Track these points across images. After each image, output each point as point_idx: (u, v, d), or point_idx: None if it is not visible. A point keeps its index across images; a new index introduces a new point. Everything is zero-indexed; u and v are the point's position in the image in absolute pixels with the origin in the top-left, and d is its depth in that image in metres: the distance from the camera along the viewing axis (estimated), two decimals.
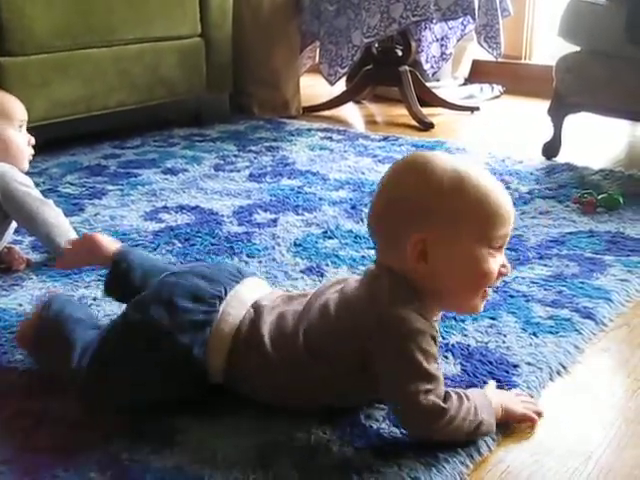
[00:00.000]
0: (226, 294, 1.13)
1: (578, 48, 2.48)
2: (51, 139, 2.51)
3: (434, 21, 3.06)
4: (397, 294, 1.04)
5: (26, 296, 1.50)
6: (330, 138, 2.78)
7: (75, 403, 1.14)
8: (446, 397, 1.02)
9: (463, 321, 1.37)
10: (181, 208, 2.01)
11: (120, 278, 1.30)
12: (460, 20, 3.21)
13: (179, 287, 1.14)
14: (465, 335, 1.34)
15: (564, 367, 1.26)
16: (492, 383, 1.16)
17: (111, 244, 1.35)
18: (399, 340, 1.01)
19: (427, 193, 1.04)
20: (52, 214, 1.65)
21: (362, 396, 1.13)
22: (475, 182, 1.04)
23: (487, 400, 1.07)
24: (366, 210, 1.97)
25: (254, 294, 1.17)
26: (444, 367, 1.23)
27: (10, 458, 1.02)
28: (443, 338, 1.31)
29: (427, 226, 1.03)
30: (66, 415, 1.11)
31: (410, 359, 1.00)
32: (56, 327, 1.20)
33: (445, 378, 1.18)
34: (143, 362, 1.10)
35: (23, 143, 1.70)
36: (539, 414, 1.12)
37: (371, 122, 3.25)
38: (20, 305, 1.46)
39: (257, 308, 1.14)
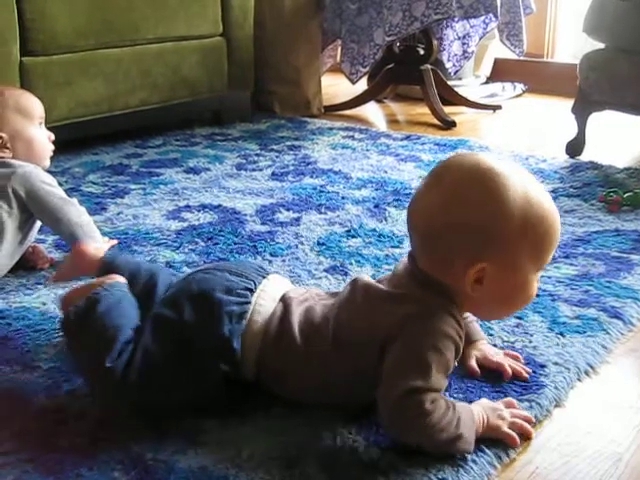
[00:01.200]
0: (256, 287, 1.13)
1: (602, 45, 2.46)
2: (74, 139, 2.53)
3: (456, 19, 3.05)
4: (431, 295, 1.03)
5: (50, 295, 1.50)
6: (352, 137, 2.77)
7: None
8: (434, 401, 0.99)
9: (489, 320, 1.35)
10: (203, 207, 2.01)
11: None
12: (482, 18, 3.19)
13: (210, 281, 1.13)
14: (491, 335, 1.32)
15: (592, 367, 1.24)
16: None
17: (96, 253, 1.36)
18: (421, 336, 1.00)
19: (497, 223, 1.00)
20: (76, 213, 1.64)
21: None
22: (541, 209, 1.02)
23: (471, 416, 1.03)
24: (389, 209, 1.96)
25: (281, 289, 1.17)
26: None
27: (34, 457, 1.01)
28: None
29: (491, 255, 1.01)
30: (90, 414, 1.11)
31: (422, 357, 0.99)
32: (102, 314, 1.17)
33: (471, 379, 1.18)
34: (181, 361, 1.09)
35: (44, 140, 1.70)
36: (529, 421, 1.07)
37: (393, 121, 3.23)
38: (44, 304, 1.46)
39: (285, 301, 1.13)
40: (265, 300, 1.13)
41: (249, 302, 1.11)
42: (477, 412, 1.04)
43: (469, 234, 1.01)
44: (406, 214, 1.08)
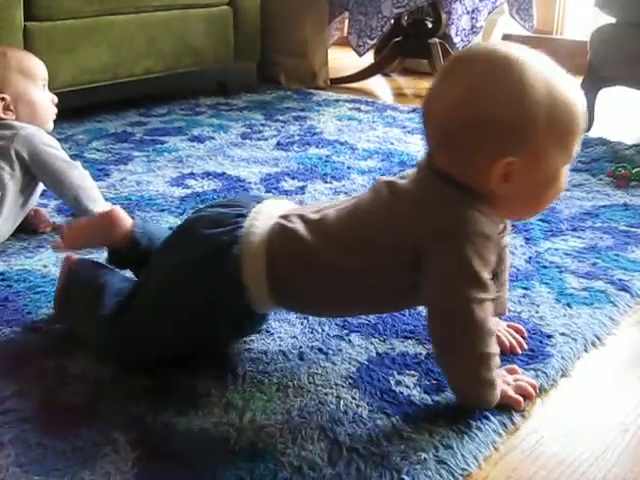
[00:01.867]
0: (249, 212, 1.08)
1: (614, 20, 2.42)
2: (78, 106, 2.50)
3: None
4: (462, 196, 0.99)
5: (51, 258, 1.48)
6: (358, 109, 2.74)
7: (98, 363, 1.12)
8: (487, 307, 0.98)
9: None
10: (207, 175, 1.99)
11: (140, 252, 1.23)
12: None
13: (201, 219, 1.11)
14: None
15: (599, 338, 1.23)
16: None
17: (128, 220, 1.26)
18: (460, 244, 0.96)
19: (521, 114, 0.94)
20: (79, 176, 1.63)
21: (404, 302, 1.11)
22: (567, 96, 0.96)
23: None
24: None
25: (279, 208, 1.12)
26: None
27: (33, 416, 1.00)
28: None
29: (518, 150, 0.95)
30: (90, 375, 1.09)
31: (468, 265, 0.96)
32: (87, 277, 1.19)
33: None
34: (181, 304, 1.07)
35: (48, 102, 1.67)
36: (533, 387, 1.06)
37: (400, 94, 3.20)
38: (45, 266, 1.44)
39: (287, 217, 1.08)
40: (260, 221, 1.07)
41: (240, 226, 1.06)
42: None
43: (492, 128, 0.94)
44: (421, 111, 1.02)
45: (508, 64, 0.95)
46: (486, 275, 0.98)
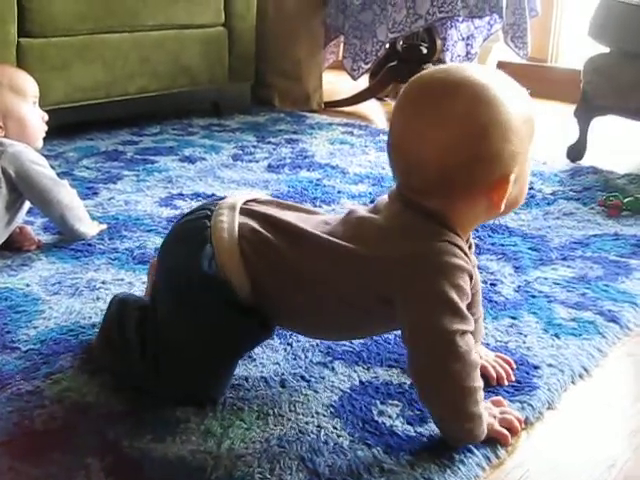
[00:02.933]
0: (212, 212, 1.10)
1: (607, 50, 2.43)
2: (69, 123, 2.49)
3: (460, 19, 3.02)
4: (432, 227, 0.99)
5: (34, 277, 1.46)
6: (351, 133, 2.74)
7: (76, 385, 1.10)
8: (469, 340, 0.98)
9: (483, 319, 1.32)
10: (197, 195, 1.98)
11: None
12: (487, 20, 3.16)
13: (171, 236, 1.15)
14: (485, 334, 1.29)
15: (586, 370, 1.21)
16: None
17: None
18: (434, 276, 0.96)
19: (514, 140, 0.97)
20: (66, 195, 1.62)
21: (378, 329, 1.13)
22: (528, 104, 1.01)
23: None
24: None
25: (241, 198, 1.13)
26: None
27: (7, 439, 0.98)
28: None
29: (513, 167, 0.99)
30: (66, 398, 1.07)
31: (446, 296, 0.95)
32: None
33: None
34: (189, 321, 1.07)
35: (38, 120, 1.66)
36: (520, 421, 1.04)
37: None
38: (27, 285, 1.42)
39: (252, 212, 1.09)
40: (224, 214, 1.08)
41: (207, 227, 1.07)
42: None
43: (492, 160, 0.97)
44: (395, 150, 1.01)
45: (486, 90, 0.97)
46: (464, 307, 0.97)
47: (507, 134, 0.96)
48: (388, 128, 1.03)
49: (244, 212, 1.09)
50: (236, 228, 1.06)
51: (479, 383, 0.98)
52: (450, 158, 0.95)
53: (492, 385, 1.13)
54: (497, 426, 1.02)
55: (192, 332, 1.06)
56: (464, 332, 0.96)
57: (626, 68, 2.34)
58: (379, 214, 1.05)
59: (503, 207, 1.01)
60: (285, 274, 1.04)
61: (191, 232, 1.09)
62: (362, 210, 1.08)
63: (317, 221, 1.09)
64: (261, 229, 1.06)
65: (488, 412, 1.02)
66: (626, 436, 1.06)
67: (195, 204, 1.90)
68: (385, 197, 1.08)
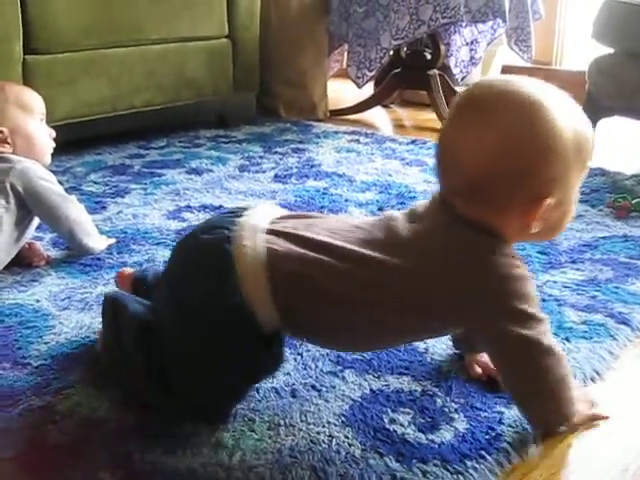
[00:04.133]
0: (230, 232, 1.02)
1: (612, 50, 2.42)
2: (76, 138, 2.50)
3: (464, 24, 3.02)
4: (485, 239, 0.99)
5: (44, 292, 1.46)
6: (357, 141, 2.74)
7: (86, 400, 1.10)
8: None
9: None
10: (204, 207, 1.98)
11: None
12: (490, 24, 3.16)
13: (183, 259, 1.09)
14: None
15: (598, 373, 1.20)
16: None
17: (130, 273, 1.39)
18: (499, 292, 0.98)
19: (559, 161, 0.96)
20: (74, 210, 1.62)
21: (423, 334, 1.12)
22: (584, 128, 1.00)
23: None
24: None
25: (264, 217, 1.07)
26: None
27: (19, 455, 0.98)
28: None
29: (555, 190, 0.97)
30: (78, 413, 1.07)
31: (516, 310, 0.98)
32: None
33: (473, 384, 1.14)
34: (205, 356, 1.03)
35: (45, 136, 1.67)
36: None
37: (399, 126, 3.20)
38: (37, 301, 1.43)
39: (277, 232, 1.03)
40: (247, 238, 1.01)
41: (229, 252, 1.00)
42: None
43: (531, 176, 0.96)
44: (440, 154, 1.02)
45: (538, 107, 0.95)
46: (537, 310, 1.00)
47: (550, 157, 0.95)
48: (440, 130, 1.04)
49: (268, 232, 1.03)
50: (262, 252, 1.00)
51: (569, 369, 1.03)
52: (486, 165, 0.96)
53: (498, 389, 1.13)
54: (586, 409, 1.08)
55: (210, 362, 1.02)
56: (545, 332, 1.00)
57: (631, 69, 2.34)
58: (421, 222, 1.03)
59: (536, 229, 1.00)
60: (320, 296, 1.00)
61: (211, 257, 1.02)
62: (400, 217, 1.05)
63: (347, 229, 1.05)
64: (289, 251, 1.01)
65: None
66: (639, 439, 1.05)
67: (203, 216, 1.90)
68: (423, 203, 1.07)
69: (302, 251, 1.01)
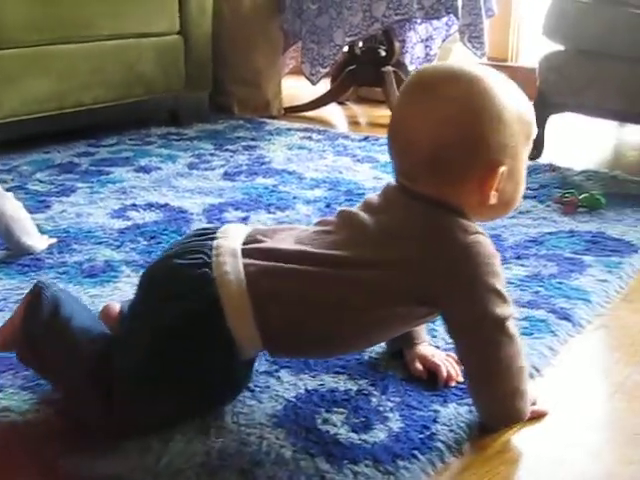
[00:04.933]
0: (209, 258, 1.01)
1: (562, 47, 2.43)
2: (24, 136, 2.45)
3: (417, 20, 3.01)
4: (452, 219, 1.02)
5: None
6: (310, 138, 2.72)
7: (16, 404, 1.07)
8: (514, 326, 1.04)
9: (433, 321, 1.30)
10: (150, 206, 1.95)
11: None
12: (444, 21, 3.16)
13: (158, 284, 1.04)
14: (434, 336, 1.27)
15: (537, 369, 1.20)
16: None
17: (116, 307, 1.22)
18: (475, 270, 0.99)
19: (507, 128, 1.00)
20: (11, 207, 1.59)
21: (408, 326, 1.12)
22: (524, 98, 1.04)
23: None
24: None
25: (236, 238, 1.06)
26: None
27: None
28: None
29: (505, 157, 1.01)
30: (5, 417, 1.04)
31: (491, 286, 0.99)
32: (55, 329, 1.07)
33: (410, 382, 1.13)
34: (177, 376, 1.00)
35: None
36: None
37: (354, 123, 3.19)
38: None
39: (251, 252, 1.03)
40: (227, 264, 1.00)
41: (211, 278, 0.98)
42: None
43: (486, 144, 1.00)
44: (393, 138, 1.05)
45: (482, 80, 1.01)
46: (505, 291, 1.01)
47: (498, 123, 0.99)
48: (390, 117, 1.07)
49: (245, 254, 1.02)
50: (243, 277, 0.99)
51: (526, 362, 1.05)
52: (440, 138, 0.99)
53: (442, 384, 1.13)
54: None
55: (182, 388, 1.01)
56: (511, 315, 1.01)
57: (580, 65, 2.35)
58: (384, 214, 1.05)
59: (494, 200, 1.02)
60: (302, 306, 1.00)
61: (192, 283, 0.99)
62: (360, 212, 1.06)
63: (315, 237, 1.05)
64: (267, 268, 1.00)
65: None
66: (575, 434, 1.05)
67: (148, 215, 1.87)
68: (377, 195, 1.09)
69: (277, 265, 1.01)
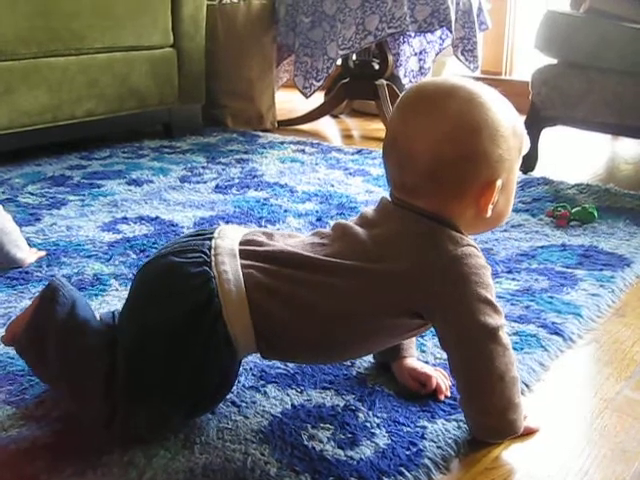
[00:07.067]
0: (208, 257, 1.02)
1: (555, 61, 2.43)
2: (16, 149, 2.45)
3: (411, 34, 3.02)
4: (445, 232, 1.02)
5: None
6: (302, 151, 2.71)
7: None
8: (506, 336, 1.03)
9: (422, 336, 1.29)
10: (141, 219, 1.94)
11: None
12: (438, 34, 3.18)
13: (156, 280, 1.04)
14: (423, 351, 1.26)
15: (527, 385, 1.19)
16: None
17: None
18: (465, 281, 0.99)
19: (503, 143, 1.01)
20: (0, 220, 1.57)
21: (401, 337, 1.11)
22: (516, 116, 1.05)
23: None
24: (331, 222, 1.90)
25: (234, 239, 1.06)
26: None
27: None
28: None
29: (501, 172, 1.02)
30: None
31: (482, 297, 0.99)
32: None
33: (397, 398, 1.12)
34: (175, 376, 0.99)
35: None
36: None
37: (347, 136, 3.19)
38: None
39: (250, 253, 1.03)
40: (226, 263, 1.00)
41: (211, 277, 0.99)
42: None
43: (482, 159, 1.00)
44: (389, 151, 1.04)
45: (479, 96, 1.02)
46: (496, 301, 1.01)
47: (496, 138, 1.00)
48: (385, 132, 1.07)
49: (243, 255, 1.03)
50: (241, 277, 1.00)
51: (518, 374, 1.04)
52: (440, 153, 0.99)
53: (431, 395, 1.13)
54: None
55: (178, 384, 1.00)
56: (503, 325, 1.01)
57: (573, 79, 2.35)
58: (378, 227, 1.04)
59: (490, 213, 1.03)
60: (295, 311, 1.00)
61: (190, 280, 0.99)
62: (354, 226, 1.06)
63: (310, 248, 1.05)
64: (265, 270, 1.01)
65: None
66: (565, 451, 1.04)
67: (138, 228, 1.86)
68: (372, 209, 1.09)
69: (274, 267, 1.01)
